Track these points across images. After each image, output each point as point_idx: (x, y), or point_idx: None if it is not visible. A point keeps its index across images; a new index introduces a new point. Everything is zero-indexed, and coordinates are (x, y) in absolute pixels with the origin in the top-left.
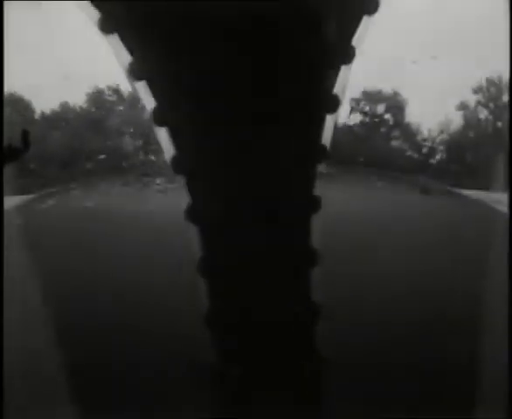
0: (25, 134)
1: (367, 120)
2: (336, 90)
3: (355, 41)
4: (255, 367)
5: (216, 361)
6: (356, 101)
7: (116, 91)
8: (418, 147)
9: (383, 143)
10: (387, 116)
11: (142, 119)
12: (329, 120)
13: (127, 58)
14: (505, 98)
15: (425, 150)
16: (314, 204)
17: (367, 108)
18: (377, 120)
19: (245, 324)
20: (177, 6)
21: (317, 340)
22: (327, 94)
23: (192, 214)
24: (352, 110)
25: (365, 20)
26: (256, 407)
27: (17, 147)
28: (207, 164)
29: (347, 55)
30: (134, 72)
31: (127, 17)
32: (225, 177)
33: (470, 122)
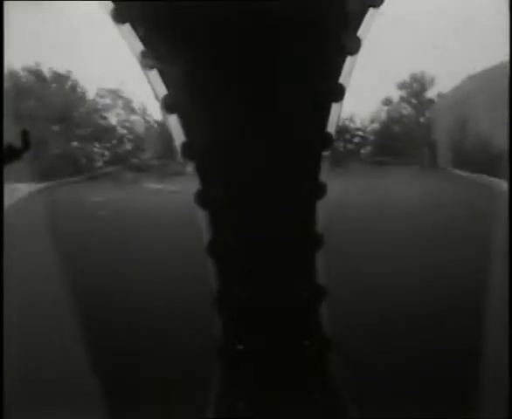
0: (25, 134)
1: None
2: (342, 80)
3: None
4: (261, 348)
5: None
6: None
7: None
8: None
9: None
10: None
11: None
12: (335, 109)
13: (139, 47)
14: (428, 94)
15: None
16: (319, 190)
17: None
18: None
19: (252, 305)
20: None
21: (321, 320)
22: (333, 84)
23: (201, 198)
24: None
25: (371, 12)
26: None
27: (17, 146)
28: (214, 150)
29: (353, 46)
30: (147, 62)
31: (139, 7)
32: (232, 162)
33: (393, 117)
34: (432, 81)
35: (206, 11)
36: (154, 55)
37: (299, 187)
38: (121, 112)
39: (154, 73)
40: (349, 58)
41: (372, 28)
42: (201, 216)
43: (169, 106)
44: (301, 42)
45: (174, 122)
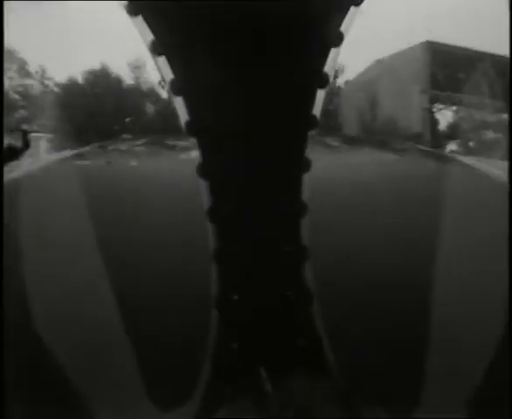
0: (25, 134)
1: None
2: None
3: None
4: (253, 342)
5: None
6: None
7: None
8: None
9: None
10: None
11: None
12: (320, 94)
13: (150, 36)
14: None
15: None
16: (305, 165)
17: None
18: None
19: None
20: None
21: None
22: (319, 72)
23: (201, 170)
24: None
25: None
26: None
27: (17, 146)
28: (215, 127)
29: (336, 40)
30: (156, 50)
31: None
32: (227, 139)
33: None
34: (342, 69)
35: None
36: (162, 43)
37: (288, 162)
38: (15, 75)
39: (162, 59)
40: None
41: None
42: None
43: (174, 89)
44: (288, 39)
45: (179, 103)
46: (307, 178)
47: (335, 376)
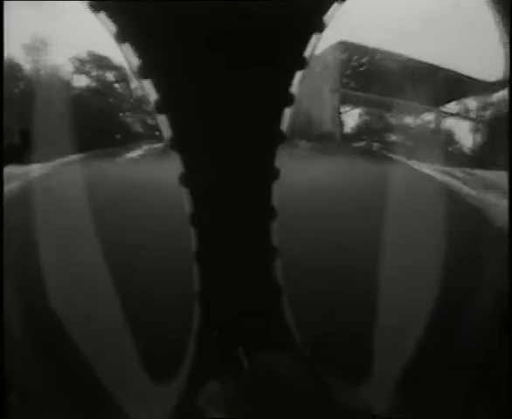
0: (25, 134)
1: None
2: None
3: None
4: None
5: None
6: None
7: None
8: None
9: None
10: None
11: None
12: (287, 113)
13: (136, 61)
14: None
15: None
16: (274, 174)
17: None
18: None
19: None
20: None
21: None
22: (286, 93)
23: (183, 180)
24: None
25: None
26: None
27: (18, 146)
28: (194, 142)
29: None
30: (142, 73)
31: (135, 31)
32: (205, 153)
33: None
34: None
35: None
36: (147, 65)
37: (258, 172)
38: None
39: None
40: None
41: None
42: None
43: (159, 108)
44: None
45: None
46: (276, 186)
47: (300, 352)
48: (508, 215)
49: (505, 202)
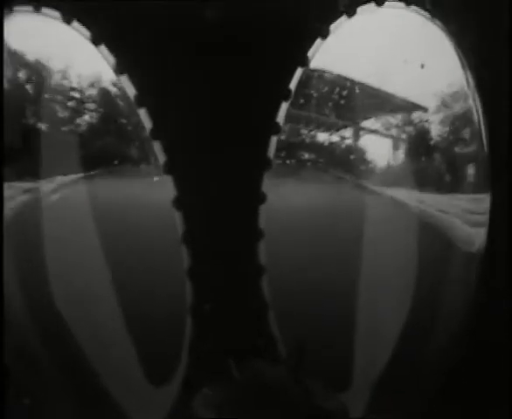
0: (25, 134)
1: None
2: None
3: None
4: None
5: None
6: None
7: None
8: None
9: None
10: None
11: None
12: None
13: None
14: None
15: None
16: (261, 198)
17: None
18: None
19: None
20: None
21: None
22: (271, 121)
23: (176, 203)
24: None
25: None
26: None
27: (19, 147)
28: (187, 169)
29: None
30: (119, 70)
31: (111, 32)
32: (197, 179)
33: None
34: None
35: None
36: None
37: (246, 196)
38: None
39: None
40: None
41: None
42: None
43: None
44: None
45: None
46: (263, 208)
47: (284, 361)
48: (508, 217)
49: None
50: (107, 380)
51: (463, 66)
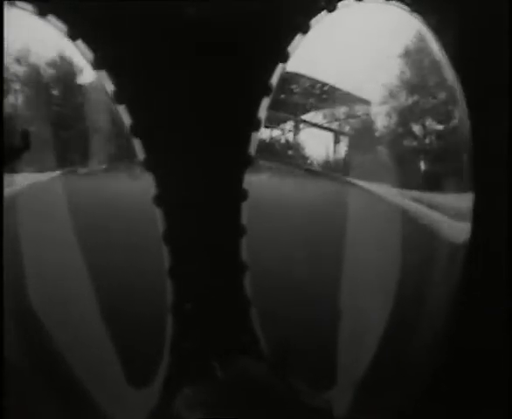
0: (25, 134)
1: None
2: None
3: None
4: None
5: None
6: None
7: None
8: None
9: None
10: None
11: None
12: (254, 138)
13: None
14: None
15: None
16: (243, 195)
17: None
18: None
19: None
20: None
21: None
22: (253, 118)
23: (157, 200)
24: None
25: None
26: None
27: (18, 146)
28: (167, 165)
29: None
30: (117, 99)
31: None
32: (178, 174)
33: None
34: None
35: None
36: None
37: (228, 193)
38: None
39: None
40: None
41: None
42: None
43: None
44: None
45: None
46: (244, 205)
47: (268, 359)
48: (508, 216)
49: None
50: (87, 382)
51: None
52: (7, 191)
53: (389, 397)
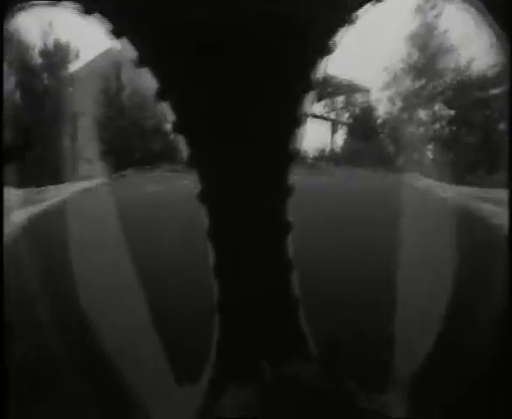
0: (26, 133)
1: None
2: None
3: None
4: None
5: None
6: None
7: None
8: None
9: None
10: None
11: None
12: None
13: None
14: None
15: None
16: (289, 191)
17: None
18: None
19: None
20: None
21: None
22: (297, 114)
23: (201, 196)
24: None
25: None
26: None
27: (19, 145)
28: (212, 161)
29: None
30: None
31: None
32: (223, 171)
33: None
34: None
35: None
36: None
37: (275, 189)
38: None
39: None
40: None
41: None
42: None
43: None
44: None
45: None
46: (290, 201)
47: (319, 361)
48: (508, 217)
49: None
50: (135, 381)
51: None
52: (55, 200)
53: (445, 390)
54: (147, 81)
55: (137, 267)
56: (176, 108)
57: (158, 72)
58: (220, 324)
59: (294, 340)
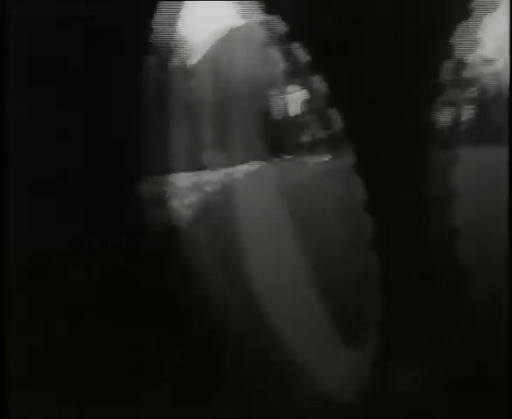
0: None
1: None
2: None
3: None
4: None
5: None
6: None
7: None
8: None
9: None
10: None
11: None
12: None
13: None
14: None
15: None
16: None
17: None
18: None
19: None
20: None
21: None
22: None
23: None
24: None
25: None
26: None
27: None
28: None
29: None
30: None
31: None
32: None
33: None
34: None
35: None
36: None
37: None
38: None
39: None
40: None
41: None
42: None
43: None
44: None
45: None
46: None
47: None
48: (508, 215)
49: None
50: (300, 348)
51: None
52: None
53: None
54: None
55: (302, 246)
56: (345, 115)
57: (328, 78)
58: (384, 302)
59: (460, 316)
